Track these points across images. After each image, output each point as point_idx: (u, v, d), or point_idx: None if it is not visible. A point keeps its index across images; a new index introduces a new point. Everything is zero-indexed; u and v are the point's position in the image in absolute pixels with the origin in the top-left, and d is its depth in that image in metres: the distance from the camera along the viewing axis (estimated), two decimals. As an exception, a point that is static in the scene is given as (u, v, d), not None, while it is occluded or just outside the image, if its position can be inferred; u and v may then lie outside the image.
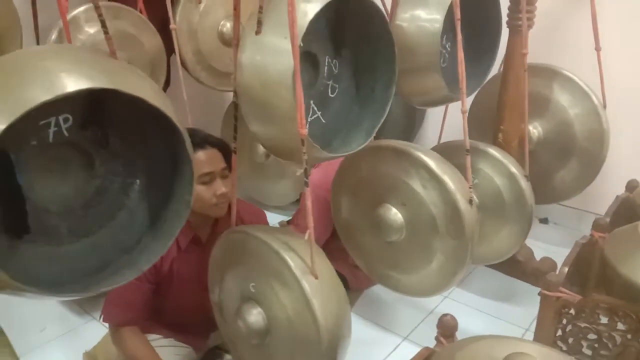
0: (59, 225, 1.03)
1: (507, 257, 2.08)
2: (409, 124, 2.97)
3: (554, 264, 2.42)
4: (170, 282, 1.59)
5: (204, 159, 1.46)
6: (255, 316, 1.32)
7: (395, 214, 1.69)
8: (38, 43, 1.89)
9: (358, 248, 1.89)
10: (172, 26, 2.07)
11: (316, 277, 1.23)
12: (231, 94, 2.70)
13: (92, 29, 1.95)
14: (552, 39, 2.49)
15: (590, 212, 2.68)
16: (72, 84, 0.83)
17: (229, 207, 1.51)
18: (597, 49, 2.15)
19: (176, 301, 1.63)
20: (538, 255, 2.37)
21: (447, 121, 2.19)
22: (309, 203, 1.18)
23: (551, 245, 2.54)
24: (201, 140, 1.47)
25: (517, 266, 2.32)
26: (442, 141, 2.14)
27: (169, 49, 2.20)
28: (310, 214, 1.19)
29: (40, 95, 0.80)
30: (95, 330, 1.98)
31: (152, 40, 2.15)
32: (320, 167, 2.18)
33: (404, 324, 2.09)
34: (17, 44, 1.63)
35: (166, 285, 1.59)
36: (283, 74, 1.11)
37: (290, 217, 2.63)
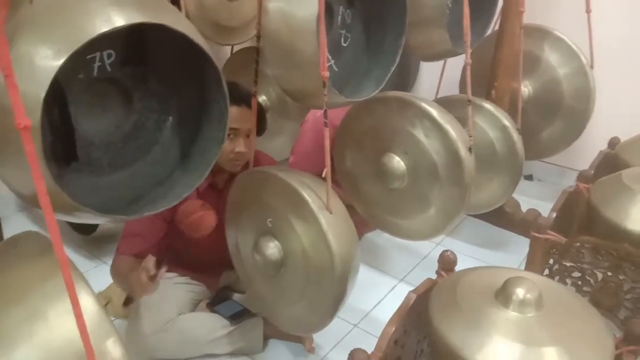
0: (101, 156, 1.10)
1: (497, 206, 2.21)
2: (403, 80, 3.06)
3: (539, 215, 2.57)
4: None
5: (235, 115, 1.49)
6: (272, 249, 1.43)
7: (398, 162, 1.78)
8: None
9: (360, 196, 1.99)
10: (176, -22, 2.09)
11: (331, 212, 1.33)
12: (229, 48, 2.76)
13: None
14: (544, 0, 2.59)
15: (572, 168, 2.84)
16: (127, 17, 0.89)
17: (245, 165, 1.58)
18: (588, 11, 2.25)
19: (193, 241, 1.72)
20: (523, 209, 2.52)
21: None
22: (327, 143, 1.27)
23: (536, 200, 2.69)
24: (239, 97, 1.52)
25: (505, 217, 2.47)
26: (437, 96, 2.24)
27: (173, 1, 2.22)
28: (328, 153, 1.28)
29: (99, 27, 0.86)
30: (105, 274, 2.05)
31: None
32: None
33: (400, 268, 2.22)
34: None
35: (184, 226, 1.68)
36: (307, 19, 1.18)
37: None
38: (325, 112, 1.24)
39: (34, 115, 0.81)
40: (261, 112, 1.61)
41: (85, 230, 2.20)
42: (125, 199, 1.13)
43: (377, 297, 2.05)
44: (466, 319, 1.19)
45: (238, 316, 1.76)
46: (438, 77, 2.21)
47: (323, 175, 1.30)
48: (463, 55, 1.74)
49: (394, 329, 1.28)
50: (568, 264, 1.78)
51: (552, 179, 2.96)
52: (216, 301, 1.83)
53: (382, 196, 1.89)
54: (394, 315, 1.31)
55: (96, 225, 2.15)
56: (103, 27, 0.86)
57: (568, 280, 1.77)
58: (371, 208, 1.98)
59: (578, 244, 1.72)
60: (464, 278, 1.32)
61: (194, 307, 1.79)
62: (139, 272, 1.35)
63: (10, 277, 0.87)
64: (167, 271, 1.73)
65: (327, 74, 1.18)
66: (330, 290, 1.34)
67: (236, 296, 1.90)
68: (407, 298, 1.35)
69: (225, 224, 1.62)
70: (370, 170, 1.89)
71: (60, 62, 0.83)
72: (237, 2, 2.40)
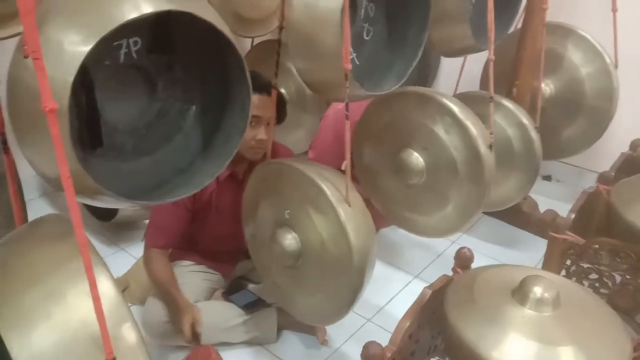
0: (125, 142, 1.12)
1: (513, 204, 2.20)
2: (423, 76, 3.04)
3: (557, 216, 2.55)
4: (207, 211, 1.70)
5: (256, 103, 1.50)
6: (289, 240, 1.43)
7: (417, 158, 1.78)
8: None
9: (377, 191, 1.98)
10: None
11: (350, 205, 1.33)
12: (249, 41, 2.77)
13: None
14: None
15: (591, 170, 2.80)
16: (155, 5, 0.90)
17: (263, 155, 1.60)
18: (614, 10, 2.21)
19: (211, 231, 1.74)
20: (541, 209, 2.50)
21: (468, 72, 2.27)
22: (348, 135, 1.27)
23: (554, 201, 2.66)
24: (260, 85, 1.54)
25: (522, 216, 2.45)
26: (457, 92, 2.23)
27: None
28: (349, 146, 1.28)
29: (128, 13, 0.87)
30: (123, 260, 2.09)
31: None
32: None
33: (415, 264, 2.22)
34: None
35: (203, 214, 1.70)
36: (332, 11, 1.18)
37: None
38: (347, 104, 1.24)
39: (61, 100, 0.83)
40: (281, 100, 1.62)
41: (104, 216, 2.23)
42: (148, 185, 1.14)
43: (391, 293, 2.06)
44: (482, 316, 1.19)
45: (252, 306, 1.77)
46: (457, 73, 2.20)
47: (342, 167, 1.31)
48: (483, 52, 1.73)
49: (408, 323, 1.28)
50: (585, 266, 1.76)
51: (570, 180, 2.93)
52: (231, 290, 1.85)
53: (400, 192, 1.89)
54: (409, 309, 1.31)
55: (115, 212, 2.18)
56: (131, 14, 0.87)
57: (585, 282, 1.75)
58: (388, 203, 1.98)
59: (597, 245, 1.70)
60: (480, 275, 1.32)
61: (210, 295, 1.81)
62: (185, 321, 1.54)
63: (32, 257, 0.89)
64: (185, 259, 1.77)
65: (349, 66, 1.18)
66: (348, 282, 1.34)
67: (251, 286, 1.92)
68: (423, 293, 1.35)
69: (241, 214, 1.64)
70: (388, 166, 1.88)
71: (88, 47, 0.84)
72: (259, -6, 2.41)
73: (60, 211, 2.42)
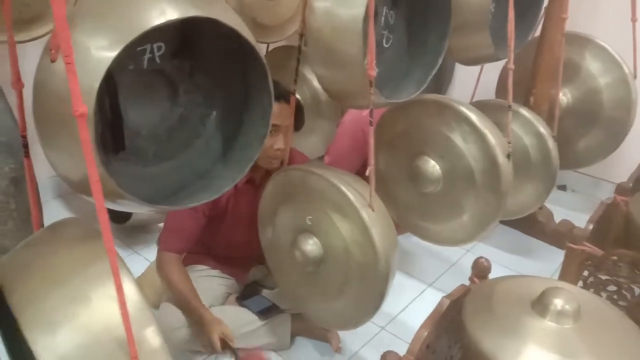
0: (147, 147, 1.12)
1: (528, 213, 2.19)
2: (438, 83, 3.03)
3: (572, 226, 2.53)
4: (224, 217, 1.70)
5: (276, 111, 1.50)
6: (311, 246, 1.44)
7: (433, 166, 1.77)
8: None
9: (391, 198, 1.97)
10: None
11: (373, 210, 1.33)
12: (263, 46, 2.77)
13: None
14: (586, 8, 2.53)
15: (607, 180, 2.78)
16: (181, 11, 0.90)
17: (281, 163, 1.60)
18: (633, 20, 2.19)
19: (227, 236, 1.74)
20: (556, 219, 2.48)
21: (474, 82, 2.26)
22: (371, 142, 1.27)
23: (569, 211, 2.64)
24: (279, 93, 1.53)
25: (537, 226, 2.43)
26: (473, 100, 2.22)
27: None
28: (372, 152, 1.28)
29: (155, 19, 0.88)
30: (137, 264, 2.10)
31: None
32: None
33: (429, 273, 2.21)
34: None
35: (220, 219, 1.70)
36: (355, 19, 1.18)
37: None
38: (371, 111, 1.24)
39: (87, 104, 0.83)
40: (299, 107, 1.62)
41: (118, 218, 2.23)
42: (168, 189, 1.15)
43: (405, 301, 2.04)
44: (501, 327, 1.18)
45: (267, 312, 1.77)
46: (472, 81, 2.19)
47: (367, 173, 1.31)
48: (498, 60, 1.72)
49: (426, 333, 1.27)
50: (603, 277, 1.74)
51: (586, 190, 2.91)
52: (245, 296, 1.84)
53: (414, 200, 1.88)
54: (427, 319, 1.30)
55: (130, 214, 2.19)
56: (158, 20, 0.87)
57: (603, 294, 1.73)
58: (402, 211, 1.97)
59: (615, 257, 1.68)
60: (499, 286, 1.31)
61: (224, 300, 1.81)
62: (214, 335, 1.55)
63: (55, 259, 0.89)
64: (199, 263, 1.77)
65: (374, 73, 1.18)
66: (373, 287, 1.35)
67: (265, 292, 1.91)
68: (440, 303, 1.34)
69: (258, 220, 1.63)
70: (403, 173, 1.87)
71: (114, 53, 0.85)
72: (275, 1, 2.41)
73: (75, 213, 2.44)
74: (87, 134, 0.72)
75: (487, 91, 2.51)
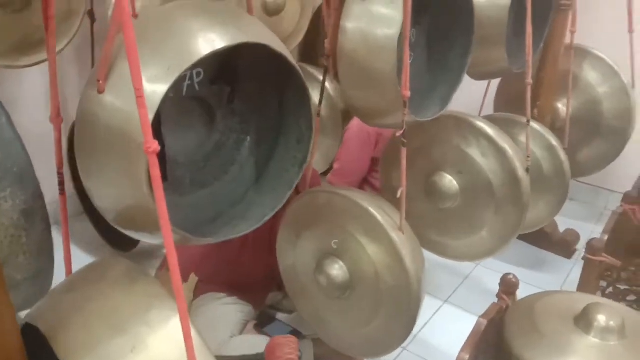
0: (184, 175, 1.08)
1: (543, 226, 2.19)
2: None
3: (578, 236, 2.56)
4: (240, 242, 1.65)
5: None
6: (337, 271, 1.40)
7: (450, 182, 1.76)
8: None
9: (407, 215, 1.96)
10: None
11: (402, 233, 1.31)
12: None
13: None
14: (584, 19, 2.57)
15: (607, 189, 2.81)
16: (230, 38, 0.87)
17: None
18: (630, 30, 2.24)
19: (243, 261, 1.69)
20: (560, 229, 2.50)
21: (479, 95, 2.26)
22: (404, 162, 1.25)
23: (571, 220, 2.65)
24: None
25: (544, 237, 2.44)
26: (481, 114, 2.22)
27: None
28: (404, 173, 1.26)
29: (204, 48, 0.85)
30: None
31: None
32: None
33: (442, 288, 2.18)
34: None
35: (236, 244, 1.65)
36: (390, 38, 1.17)
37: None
38: (404, 131, 1.22)
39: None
40: None
41: (124, 246, 2.16)
42: (204, 219, 1.11)
43: (424, 319, 2.01)
44: (547, 345, 1.17)
45: (288, 337, 1.72)
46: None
47: (398, 195, 1.28)
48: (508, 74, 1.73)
49: (467, 356, 1.25)
50: (622, 287, 1.75)
51: (586, 199, 2.93)
52: (264, 322, 1.80)
53: (430, 215, 1.86)
54: (466, 342, 1.28)
55: (137, 242, 2.12)
56: (208, 48, 0.84)
57: (623, 304, 1.74)
58: (416, 227, 1.94)
59: (633, 267, 1.69)
60: (538, 303, 1.30)
61: (243, 328, 1.75)
62: None
63: (111, 303, 0.84)
64: (216, 291, 1.72)
65: (408, 93, 1.17)
66: (407, 310, 1.32)
67: (280, 315, 1.87)
68: (478, 324, 1.32)
69: (277, 244, 1.59)
70: (419, 189, 1.85)
71: (168, 85, 0.81)
72: (276, 17, 2.39)
73: (72, 240, 2.35)
74: (157, 170, 0.68)
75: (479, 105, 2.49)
